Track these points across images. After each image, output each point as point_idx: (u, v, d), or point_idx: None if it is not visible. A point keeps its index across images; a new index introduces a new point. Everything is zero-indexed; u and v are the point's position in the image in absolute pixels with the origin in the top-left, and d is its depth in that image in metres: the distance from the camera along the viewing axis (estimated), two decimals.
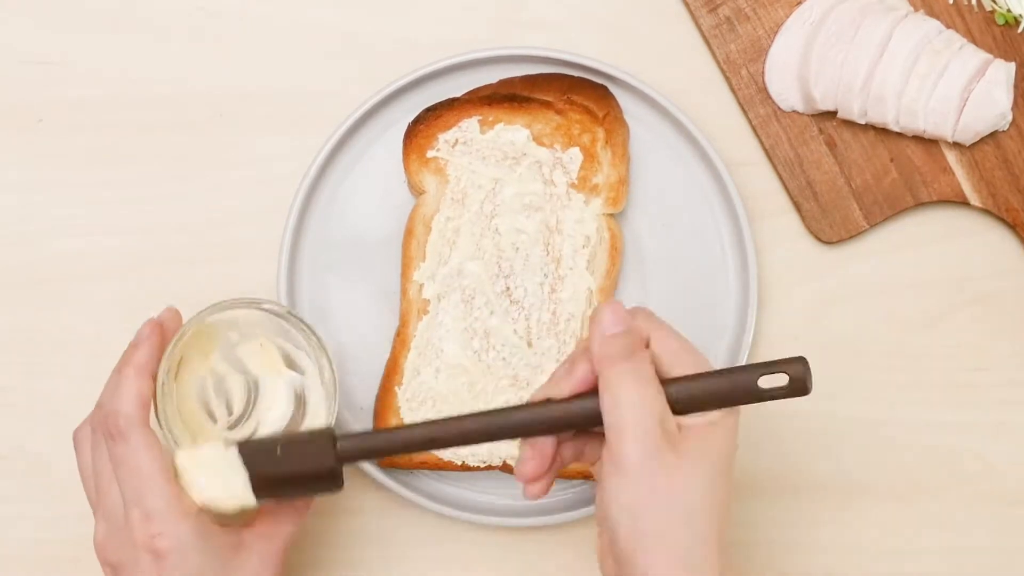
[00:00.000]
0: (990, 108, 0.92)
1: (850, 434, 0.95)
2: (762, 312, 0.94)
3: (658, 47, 0.96)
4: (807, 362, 0.73)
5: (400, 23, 0.95)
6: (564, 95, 0.91)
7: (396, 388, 0.91)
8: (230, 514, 0.79)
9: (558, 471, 0.79)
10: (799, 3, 0.95)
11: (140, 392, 0.78)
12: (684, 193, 0.94)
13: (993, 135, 0.94)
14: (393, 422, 0.91)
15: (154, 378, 0.80)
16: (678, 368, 0.75)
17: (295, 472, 0.77)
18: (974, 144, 0.94)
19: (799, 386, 0.74)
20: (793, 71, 0.94)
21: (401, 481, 0.92)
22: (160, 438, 0.79)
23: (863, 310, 0.96)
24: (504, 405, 0.83)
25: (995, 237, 0.96)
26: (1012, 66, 0.93)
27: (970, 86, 0.91)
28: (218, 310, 0.82)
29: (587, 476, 0.91)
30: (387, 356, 0.92)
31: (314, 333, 0.83)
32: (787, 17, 0.95)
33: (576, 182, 0.91)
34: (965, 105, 0.92)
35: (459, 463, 0.91)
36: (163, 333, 0.81)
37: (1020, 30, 0.95)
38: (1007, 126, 0.94)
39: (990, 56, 0.92)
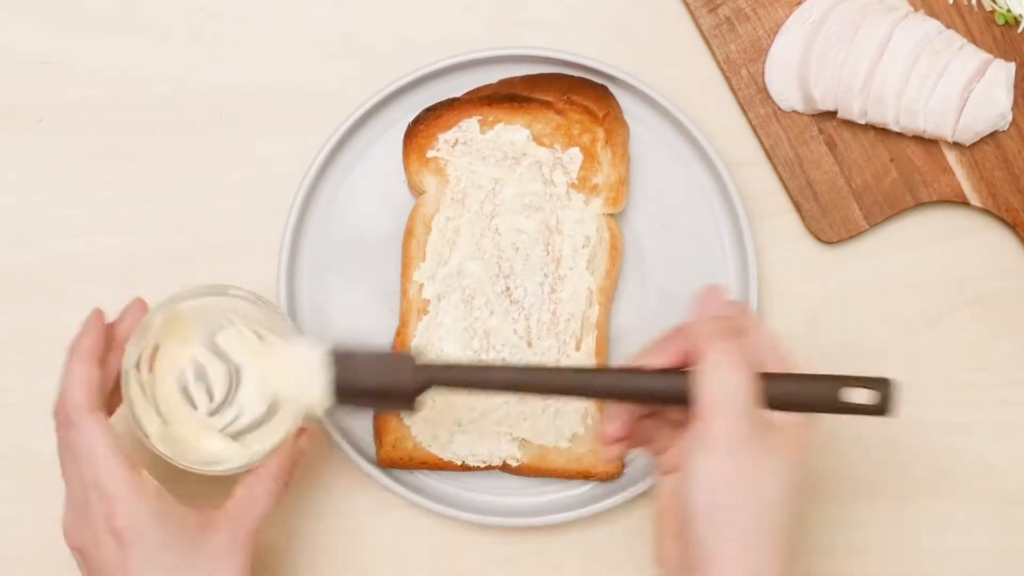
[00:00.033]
0: (990, 108, 0.92)
1: (850, 434, 0.95)
2: (762, 312, 0.94)
3: (658, 47, 0.96)
4: (894, 384, 0.74)
5: (400, 23, 0.95)
6: (564, 95, 0.91)
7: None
8: (304, 414, 0.82)
9: (633, 445, 0.81)
10: (799, 3, 0.95)
11: (85, 379, 0.81)
12: (684, 193, 0.94)
13: (993, 135, 0.94)
14: (393, 422, 0.91)
15: (103, 364, 0.82)
16: (769, 365, 0.76)
17: (375, 386, 0.80)
18: (974, 144, 0.94)
19: (883, 406, 0.74)
20: (793, 71, 0.94)
21: (401, 481, 0.92)
22: (131, 423, 0.81)
23: (863, 310, 0.96)
24: (590, 366, 0.82)
25: (995, 237, 0.96)
26: (1012, 66, 0.93)
27: (970, 86, 0.91)
28: (185, 298, 0.83)
29: (587, 476, 0.91)
30: None
31: (286, 317, 0.84)
32: (787, 17, 0.95)
33: (576, 182, 0.91)
34: (965, 105, 0.92)
35: (459, 463, 0.91)
36: (105, 320, 0.84)
37: (1020, 30, 0.95)
38: (1007, 126, 0.94)
39: (990, 56, 0.92)
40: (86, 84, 0.95)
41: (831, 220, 0.95)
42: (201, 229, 0.94)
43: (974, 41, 0.94)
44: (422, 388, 0.80)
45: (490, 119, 0.91)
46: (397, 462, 0.91)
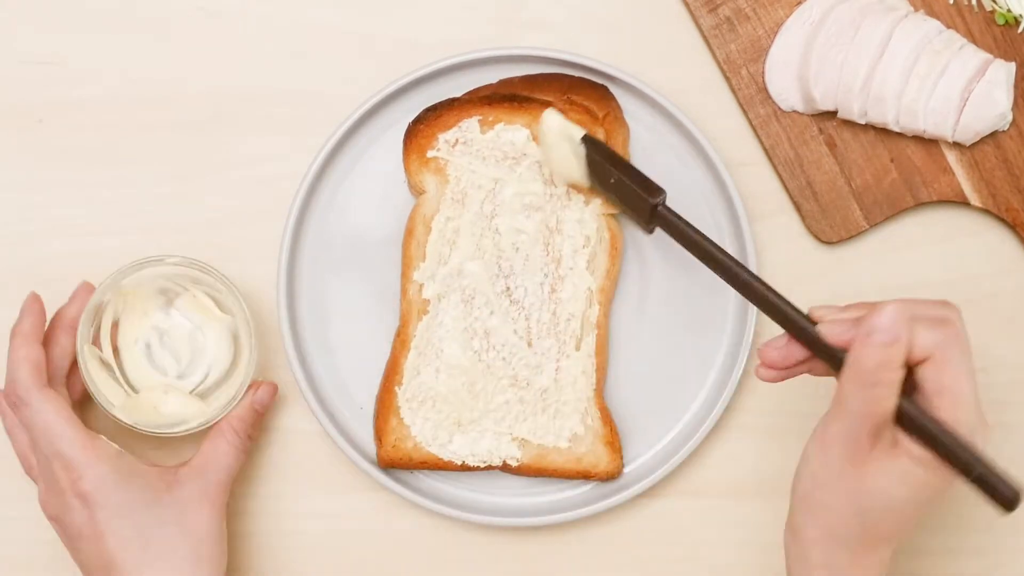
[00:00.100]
0: (990, 108, 0.92)
1: None
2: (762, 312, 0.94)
3: (658, 47, 0.96)
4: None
5: (400, 23, 0.95)
6: (564, 95, 0.91)
7: (396, 388, 0.91)
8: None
9: (789, 376, 0.81)
10: (799, 3, 0.95)
11: (29, 358, 0.85)
12: (684, 193, 0.94)
13: (993, 135, 0.94)
14: (393, 422, 0.91)
15: (42, 343, 0.87)
16: (942, 398, 0.74)
17: (621, 178, 0.85)
18: (974, 144, 0.94)
19: (1006, 505, 0.74)
20: (793, 71, 0.94)
21: (401, 481, 0.92)
22: (94, 397, 0.87)
23: None
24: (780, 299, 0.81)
25: (995, 237, 0.96)
26: (1012, 66, 0.93)
27: (970, 86, 0.91)
28: (127, 273, 0.88)
29: (587, 476, 0.91)
30: (387, 356, 0.92)
31: (224, 276, 0.88)
32: (787, 17, 0.95)
33: None
34: (965, 105, 0.92)
35: (459, 463, 0.91)
36: (43, 304, 0.89)
37: (1020, 30, 0.95)
38: (1007, 126, 0.94)
39: (990, 56, 0.92)
40: (86, 84, 0.95)
41: (831, 220, 0.95)
42: (201, 229, 0.94)
43: (974, 41, 0.94)
44: (655, 210, 0.84)
45: (490, 119, 0.91)
46: (397, 462, 0.91)
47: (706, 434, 0.92)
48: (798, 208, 0.95)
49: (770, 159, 0.95)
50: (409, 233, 0.91)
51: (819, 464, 0.77)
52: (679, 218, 0.84)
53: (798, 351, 0.79)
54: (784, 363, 0.80)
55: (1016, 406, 0.96)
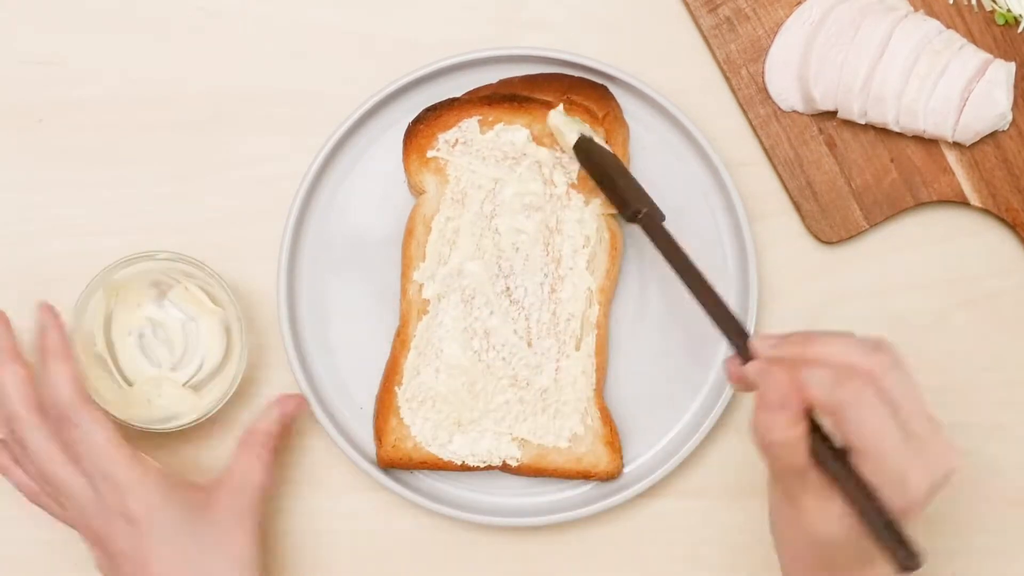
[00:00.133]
0: (990, 108, 0.91)
1: None
2: (762, 312, 0.94)
3: (658, 47, 0.96)
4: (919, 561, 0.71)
5: (400, 23, 0.95)
6: (564, 95, 0.91)
7: (396, 388, 0.91)
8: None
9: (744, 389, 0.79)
10: (799, 3, 0.95)
11: (68, 374, 0.83)
12: (684, 193, 0.94)
13: (993, 135, 0.94)
14: (393, 422, 0.91)
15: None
16: (855, 455, 0.72)
17: (607, 174, 0.87)
18: (974, 144, 0.94)
19: (904, 565, 0.72)
20: (793, 71, 0.94)
21: (401, 481, 0.92)
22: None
23: (863, 310, 0.96)
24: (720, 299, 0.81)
25: (995, 237, 0.96)
26: (1012, 66, 0.93)
27: (970, 86, 0.91)
28: (118, 268, 0.88)
29: (587, 476, 0.91)
30: (387, 356, 0.92)
31: (213, 271, 0.88)
32: (787, 17, 0.95)
33: (576, 182, 0.91)
34: (965, 105, 0.92)
35: (459, 463, 0.91)
36: (58, 314, 0.86)
37: (1020, 30, 0.95)
38: (1007, 126, 0.94)
39: (990, 56, 0.92)
40: (86, 84, 0.95)
41: (831, 220, 0.95)
42: (201, 229, 0.94)
43: (974, 41, 0.94)
44: (634, 214, 0.85)
45: (490, 119, 0.91)
46: (397, 462, 0.91)
47: (706, 434, 0.92)
48: (798, 208, 0.95)
49: (770, 159, 0.95)
50: (409, 233, 0.91)
51: (771, 500, 0.77)
52: (657, 235, 0.84)
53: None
54: (739, 380, 0.79)
55: (1016, 406, 0.96)
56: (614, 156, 0.89)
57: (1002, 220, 0.96)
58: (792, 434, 0.72)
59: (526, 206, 0.90)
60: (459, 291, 0.90)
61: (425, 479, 0.93)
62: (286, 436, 0.90)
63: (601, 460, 0.91)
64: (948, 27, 0.94)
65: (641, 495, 0.92)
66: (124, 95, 0.95)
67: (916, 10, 0.94)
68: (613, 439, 0.91)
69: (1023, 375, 0.96)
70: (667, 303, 0.93)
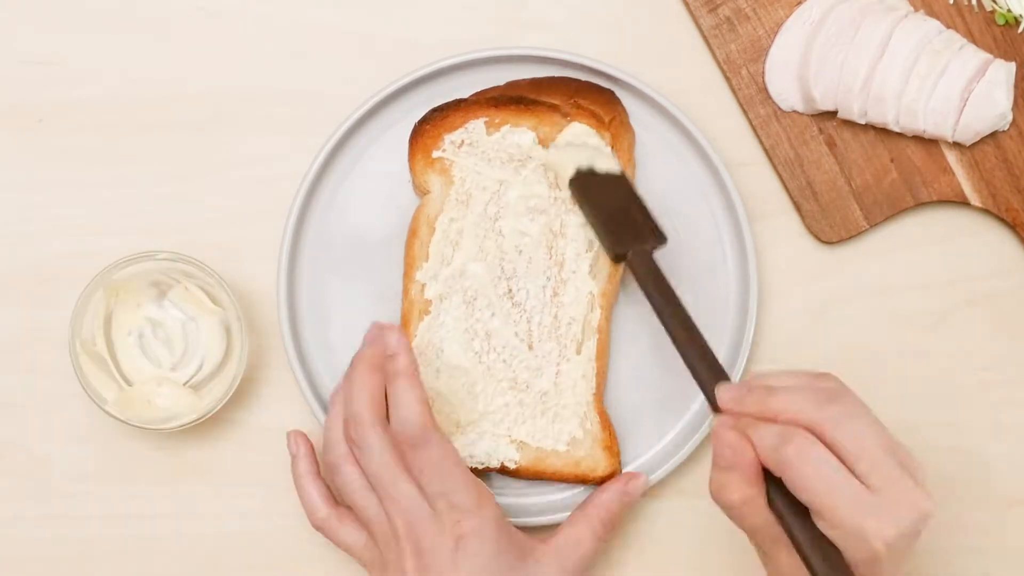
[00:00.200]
0: (990, 108, 0.91)
1: None
2: (762, 312, 0.94)
3: (658, 47, 0.96)
4: None
5: (400, 23, 0.95)
6: (571, 99, 0.91)
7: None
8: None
9: None
10: (799, 3, 0.94)
11: (420, 398, 0.82)
12: (684, 193, 0.94)
13: (993, 135, 0.94)
14: None
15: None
16: (811, 513, 0.73)
17: (595, 210, 0.87)
18: (974, 144, 0.94)
19: None
20: (793, 71, 0.94)
21: None
22: (86, 392, 0.88)
23: (863, 310, 0.96)
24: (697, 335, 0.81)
25: (995, 237, 0.96)
26: (1012, 66, 0.93)
27: (970, 86, 0.91)
28: (119, 267, 0.88)
29: (585, 480, 0.91)
30: None
31: (213, 271, 0.89)
32: (787, 17, 0.95)
33: None
34: (965, 105, 0.92)
35: None
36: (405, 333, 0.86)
37: (1020, 30, 0.95)
38: (1007, 126, 0.94)
39: (990, 56, 0.92)
40: (86, 84, 0.95)
41: (831, 220, 0.95)
42: (201, 229, 0.94)
43: (974, 41, 0.94)
44: (622, 256, 0.85)
45: (496, 121, 0.91)
46: None
47: (706, 434, 0.92)
48: (798, 208, 0.95)
49: (770, 159, 0.95)
50: (412, 233, 0.91)
51: (757, 553, 0.79)
52: (643, 276, 0.84)
53: None
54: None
55: (1016, 406, 0.96)
56: (615, 180, 0.88)
57: (1002, 220, 0.96)
58: (746, 494, 0.73)
59: (530, 209, 0.90)
60: (461, 292, 0.90)
61: None
62: (623, 514, 0.90)
63: (599, 464, 0.91)
64: (948, 27, 0.94)
65: (640, 495, 0.92)
66: (124, 95, 0.95)
67: (916, 10, 0.94)
68: (612, 444, 0.91)
69: (1023, 375, 0.96)
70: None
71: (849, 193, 0.95)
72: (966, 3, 0.95)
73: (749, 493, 0.73)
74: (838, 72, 0.92)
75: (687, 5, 0.95)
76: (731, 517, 0.76)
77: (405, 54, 0.94)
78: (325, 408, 0.92)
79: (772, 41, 0.95)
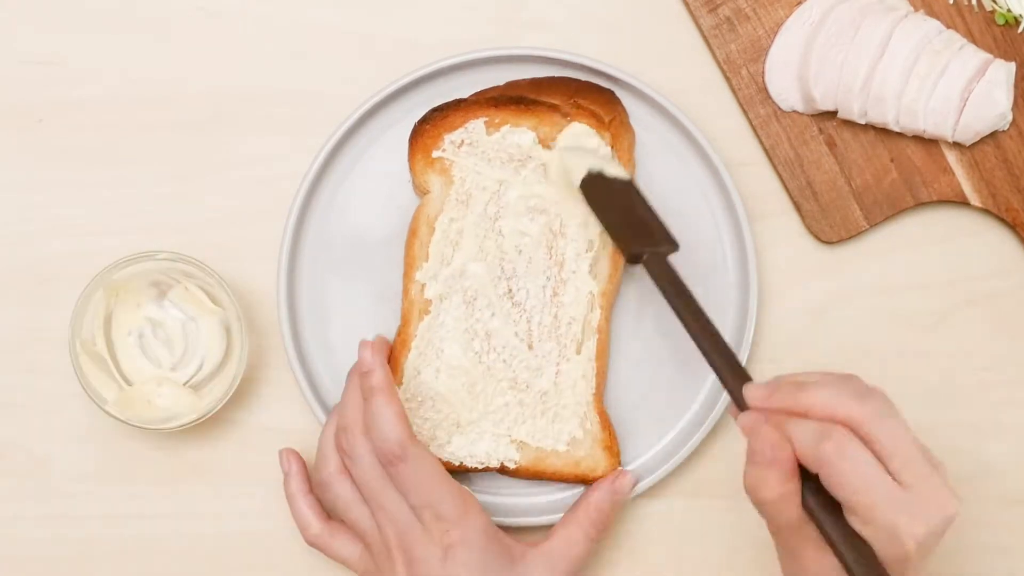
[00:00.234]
0: (990, 108, 0.91)
1: None
2: (762, 312, 0.95)
3: (658, 47, 0.96)
4: None
5: (400, 23, 0.95)
6: (571, 99, 0.91)
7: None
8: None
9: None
10: (799, 3, 0.95)
11: (398, 412, 0.83)
12: (684, 193, 0.94)
13: (993, 135, 0.94)
14: None
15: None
16: (845, 511, 0.73)
17: (607, 211, 0.86)
18: (974, 144, 0.94)
19: None
20: (793, 71, 0.94)
21: None
22: (85, 392, 0.88)
23: (863, 310, 0.96)
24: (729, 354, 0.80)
25: (995, 237, 0.96)
26: (1012, 66, 0.93)
27: (970, 86, 0.91)
28: (119, 267, 0.88)
29: (585, 480, 0.91)
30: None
31: (213, 271, 0.89)
32: (787, 17, 0.95)
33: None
34: (965, 105, 0.92)
35: (457, 464, 0.91)
36: (388, 350, 0.88)
37: (1020, 30, 0.95)
38: (1007, 126, 0.94)
39: (990, 56, 0.92)
40: (86, 84, 0.95)
41: (831, 220, 0.95)
42: (201, 229, 0.94)
43: (974, 41, 0.94)
44: (637, 258, 0.84)
45: (496, 121, 0.91)
46: None
47: (706, 434, 0.92)
48: (798, 208, 0.95)
49: (770, 159, 0.95)
50: (412, 233, 0.91)
51: (777, 552, 0.78)
52: (661, 278, 0.83)
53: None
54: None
55: (1016, 406, 0.96)
56: (625, 186, 0.88)
57: (1002, 220, 0.96)
58: (783, 491, 0.73)
59: (530, 209, 0.90)
60: (461, 292, 0.90)
61: None
62: (614, 515, 0.90)
63: (599, 464, 0.91)
64: (948, 27, 0.94)
65: (641, 495, 0.92)
66: (124, 95, 0.95)
67: (916, 10, 0.94)
68: (611, 444, 0.91)
69: (1023, 375, 0.96)
70: (668, 308, 0.93)
71: (849, 193, 0.95)
72: (966, 3, 0.95)
73: (786, 490, 0.73)
74: (838, 72, 0.92)
75: (687, 5, 0.95)
76: (763, 514, 0.75)
77: (405, 54, 0.94)
78: (325, 407, 0.92)
79: (772, 41, 0.95)
